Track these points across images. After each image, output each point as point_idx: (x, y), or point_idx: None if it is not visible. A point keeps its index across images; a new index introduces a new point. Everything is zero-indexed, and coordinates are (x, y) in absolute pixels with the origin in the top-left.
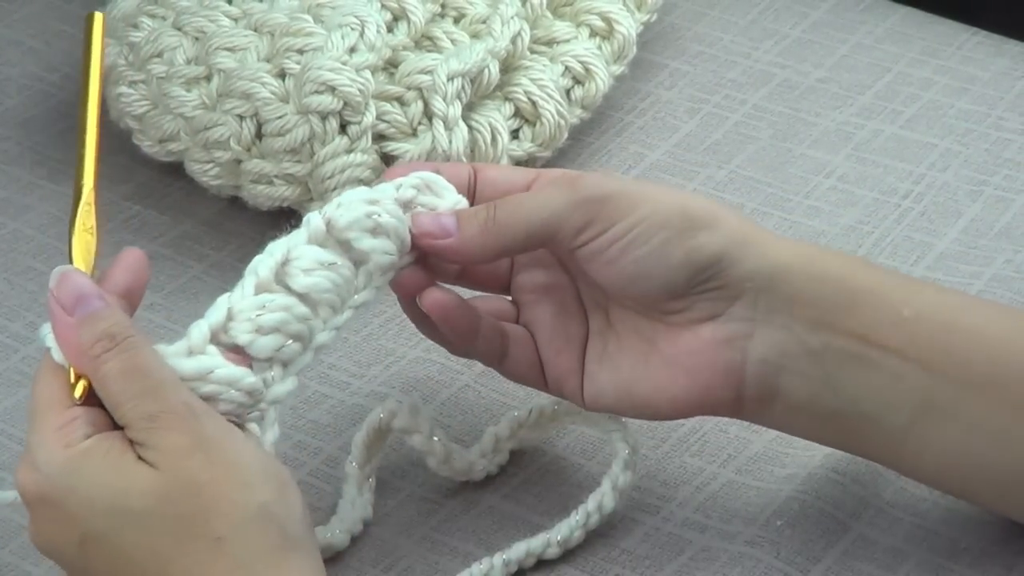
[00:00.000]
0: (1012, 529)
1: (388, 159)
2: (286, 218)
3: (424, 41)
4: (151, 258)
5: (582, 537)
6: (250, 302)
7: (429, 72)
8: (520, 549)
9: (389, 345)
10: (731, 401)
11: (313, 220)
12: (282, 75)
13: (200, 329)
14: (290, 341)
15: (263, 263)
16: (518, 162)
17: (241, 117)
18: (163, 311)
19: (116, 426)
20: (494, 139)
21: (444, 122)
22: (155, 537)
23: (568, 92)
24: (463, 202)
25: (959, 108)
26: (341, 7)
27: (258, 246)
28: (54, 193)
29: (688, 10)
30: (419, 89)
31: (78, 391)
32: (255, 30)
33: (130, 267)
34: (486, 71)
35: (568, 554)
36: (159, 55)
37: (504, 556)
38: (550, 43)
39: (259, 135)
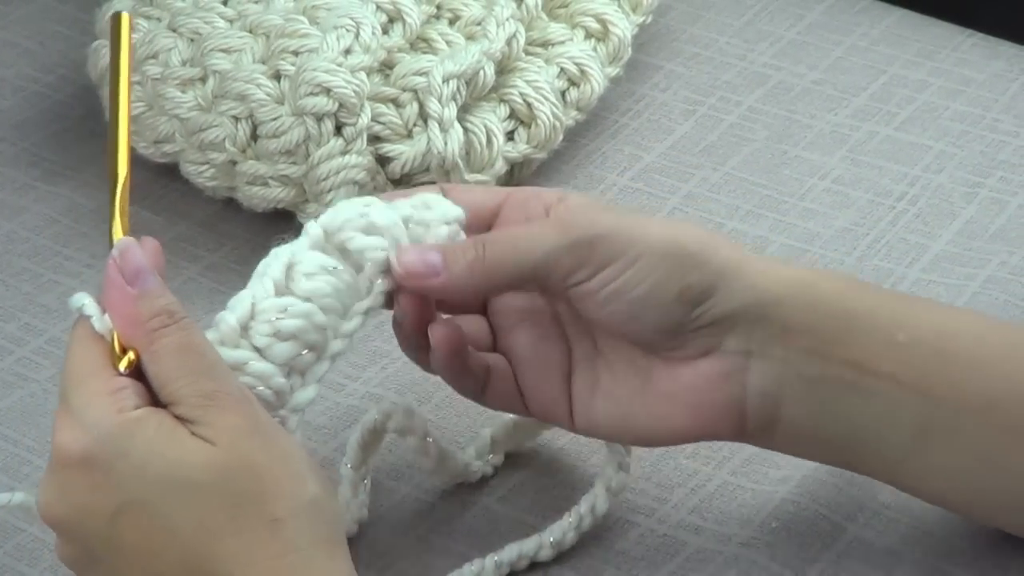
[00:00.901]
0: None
1: (383, 161)
2: (281, 220)
3: (419, 43)
4: None
5: (575, 539)
6: (272, 303)
7: (424, 74)
8: (513, 551)
9: (384, 347)
10: (733, 430)
11: (311, 227)
12: (277, 77)
13: (229, 322)
14: (306, 350)
15: (273, 266)
16: (513, 164)
17: (236, 119)
18: None
19: (158, 404)
20: (489, 141)
21: (439, 124)
22: (208, 512)
23: (563, 94)
24: (456, 225)
25: (954, 110)
26: (336, 9)
27: (253, 248)
28: (49, 195)
29: (683, 12)
30: (414, 91)
31: (124, 363)
32: (250, 32)
33: (148, 255)
34: (481, 73)
35: (562, 556)
36: (154, 56)
37: (496, 557)
38: (545, 45)
39: (254, 137)
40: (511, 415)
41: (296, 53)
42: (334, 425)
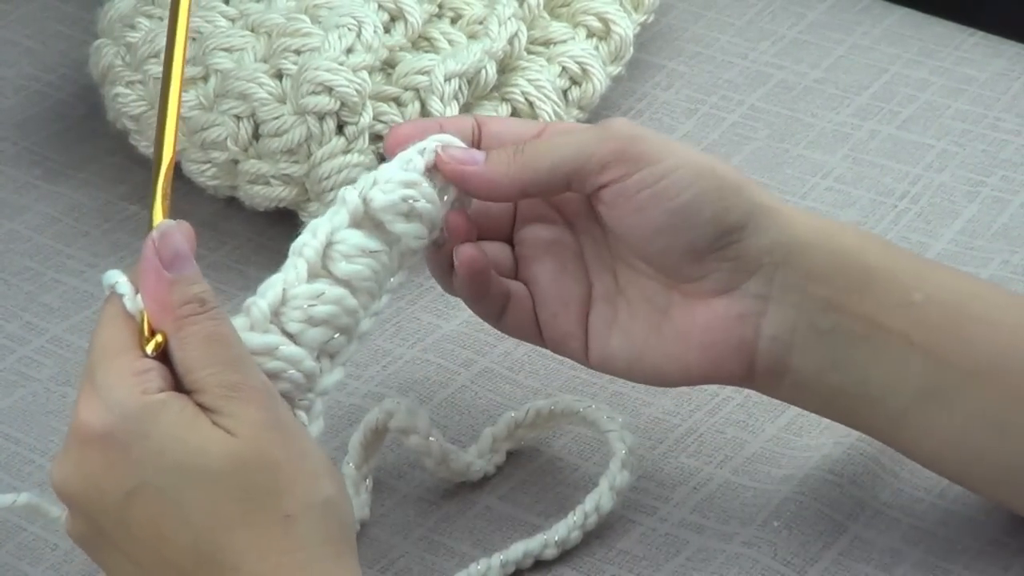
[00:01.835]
0: (1008, 529)
1: (385, 160)
2: (283, 219)
3: (421, 42)
4: None
5: (579, 537)
6: (304, 290)
7: (426, 73)
8: (518, 550)
9: (386, 346)
10: (742, 374)
11: (350, 199)
12: (279, 76)
13: (260, 308)
14: (337, 334)
15: (309, 245)
16: None
17: (238, 117)
18: None
19: (181, 390)
20: None
21: None
22: (223, 502)
23: (565, 93)
24: None
25: (956, 109)
26: (338, 8)
27: (255, 247)
28: (50, 193)
29: (685, 11)
30: (416, 90)
31: (152, 346)
32: (252, 31)
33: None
34: (483, 72)
35: (565, 555)
36: (156, 55)
37: (502, 557)
38: (547, 44)
39: (256, 136)
40: (512, 415)
41: (298, 52)
42: (336, 424)
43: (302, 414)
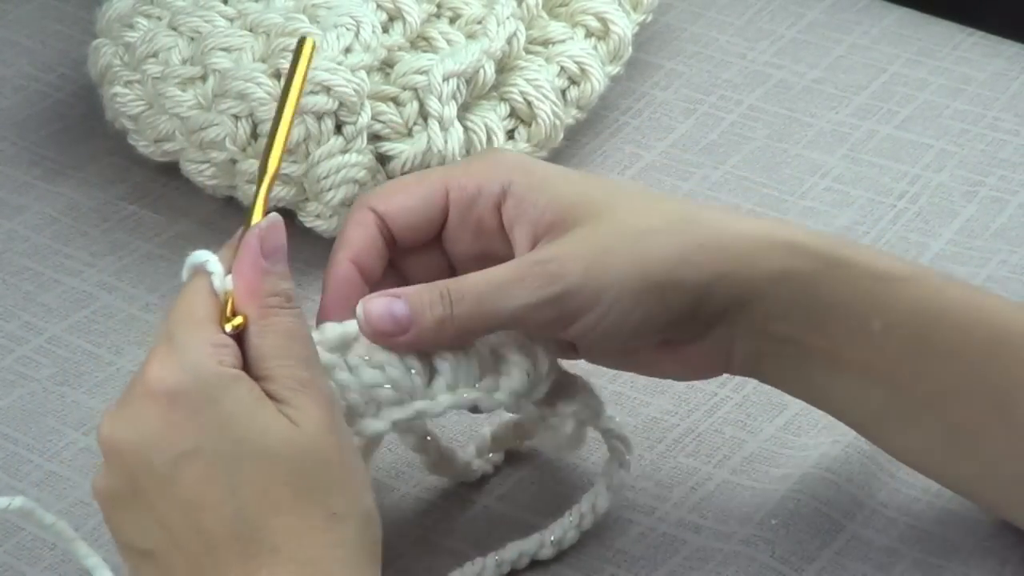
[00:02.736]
0: (1005, 526)
1: (384, 159)
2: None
3: (420, 41)
4: (147, 258)
5: (576, 537)
6: (367, 345)
7: (425, 72)
8: (514, 549)
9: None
10: (718, 375)
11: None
12: (277, 75)
13: (333, 329)
14: (387, 385)
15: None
16: None
17: (237, 117)
18: (159, 311)
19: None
20: (489, 140)
21: (439, 122)
22: (276, 484)
23: (564, 92)
24: None
25: (955, 109)
26: (336, 7)
27: None
28: (49, 193)
29: (684, 11)
30: (415, 89)
31: (232, 324)
32: (250, 30)
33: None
34: (482, 71)
35: (562, 554)
36: (154, 55)
37: (496, 556)
38: (546, 43)
39: (255, 135)
40: (511, 415)
41: None
42: None
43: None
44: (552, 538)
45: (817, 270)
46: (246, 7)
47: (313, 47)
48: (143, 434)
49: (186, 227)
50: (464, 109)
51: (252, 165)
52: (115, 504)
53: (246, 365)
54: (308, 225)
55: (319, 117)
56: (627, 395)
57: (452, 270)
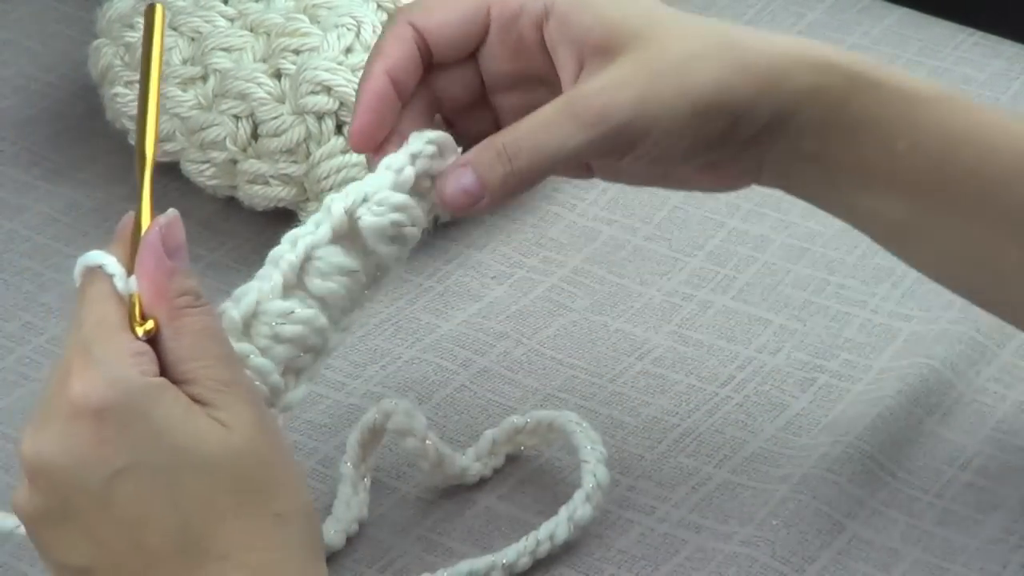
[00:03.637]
0: (1006, 527)
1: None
2: (282, 219)
3: None
4: None
5: (529, 563)
6: (275, 307)
7: None
8: (463, 569)
9: (385, 346)
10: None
11: (336, 213)
12: (278, 75)
13: (232, 318)
14: (304, 353)
15: (286, 258)
16: None
17: (237, 117)
18: None
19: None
20: None
21: None
22: (217, 492)
23: None
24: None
25: None
26: (337, 7)
27: (254, 247)
28: (49, 194)
29: (685, 10)
30: None
31: (144, 329)
32: (251, 30)
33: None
34: None
35: (563, 554)
36: None
37: (445, 573)
38: None
39: (255, 135)
40: (513, 420)
41: (297, 52)
42: (334, 423)
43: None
44: (503, 562)
45: (848, 88)
46: (246, 7)
47: (163, 14)
48: (73, 454)
49: (186, 227)
50: None
51: (253, 165)
52: (44, 524)
53: (163, 370)
54: None
55: (320, 117)
56: (627, 395)
57: (483, 87)
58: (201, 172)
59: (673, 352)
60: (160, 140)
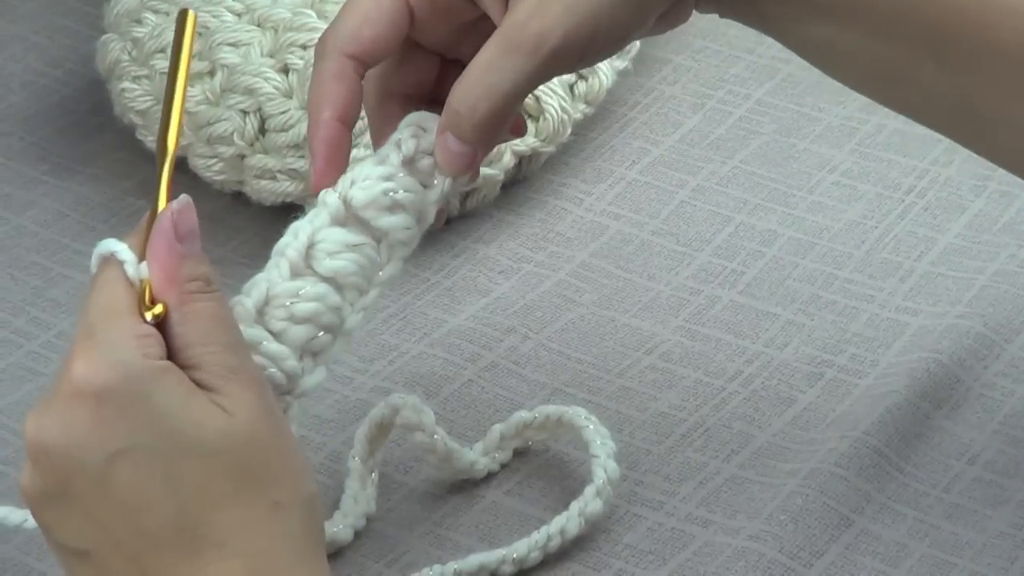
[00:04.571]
0: (1014, 522)
1: None
2: (290, 214)
3: None
4: None
5: (539, 558)
6: (286, 287)
7: None
8: (474, 562)
9: (392, 340)
10: None
11: (330, 200)
12: (285, 70)
13: (245, 305)
14: (321, 332)
15: (291, 245)
16: (521, 157)
17: (245, 112)
18: None
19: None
20: None
21: None
22: (215, 478)
23: (571, 87)
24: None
25: None
26: (344, 2)
27: (262, 242)
28: (57, 189)
29: None
30: None
31: (153, 312)
32: (258, 25)
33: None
34: None
35: (571, 549)
36: (162, 50)
37: (456, 566)
38: None
39: (263, 130)
40: (523, 413)
41: (304, 47)
42: (342, 418)
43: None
44: (514, 556)
45: None
46: (254, 2)
47: (194, 20)
48: (72, 435)
49: None
50: None
51: (261, 160)
52: (45, 505)
53: (171, 354)
54: None
55: None
56: (635, 390)
57: (440, 57)
58: (209, 167)
59: (680, 347)
60: None
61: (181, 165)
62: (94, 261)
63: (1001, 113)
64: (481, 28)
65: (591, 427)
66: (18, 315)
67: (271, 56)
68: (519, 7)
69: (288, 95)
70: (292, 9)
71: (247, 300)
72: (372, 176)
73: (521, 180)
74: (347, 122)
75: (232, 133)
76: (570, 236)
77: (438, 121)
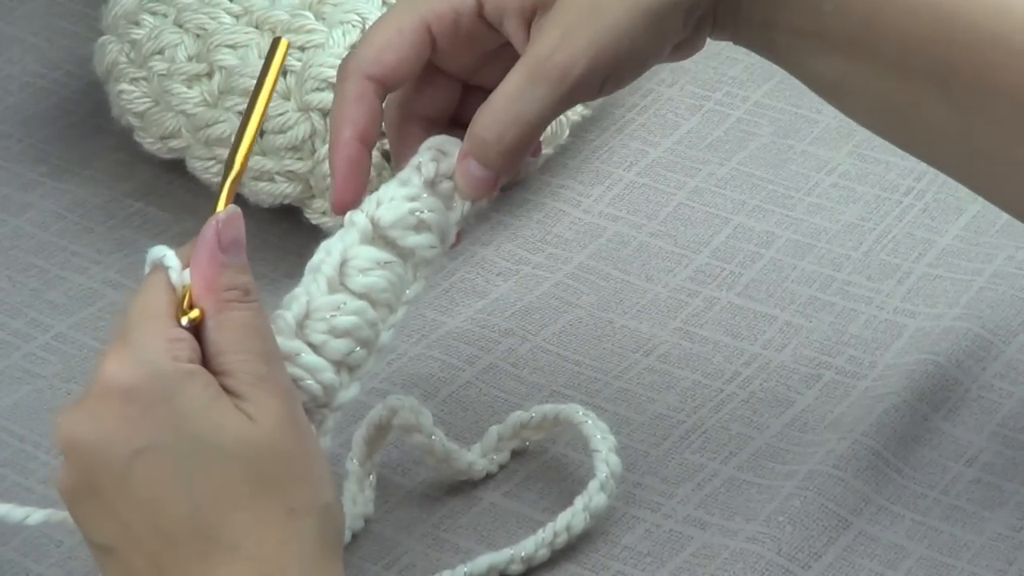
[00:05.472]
0: (1012, 524)
1: (390, 156)
2: (287, 215)
3: None
4: None
5: (547, 555)
6: (327, 301)
7: None
8: (483, 563)
9: (391, 342)
10: None
11: (358, 220)
12: (284, 72)
13: (286, 318)
14: (358, 347)
15: (326, 262)
16: None
17: (242, 114)
18: None
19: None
20: None
21: None
22: (232, 481)
23: None
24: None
25: None
26: (342, 4)
27: (260, 243)
28: (55, 190)
29: None
30: None
31: (188, 317)
32: (256, 27)
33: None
34: None
35: (568, 551)
36: (160, 52)
37: (466, 568)
38: None
39: (260, 132)
40: (519, 414)
41: (302, 48)
42: (341, 420)
43: (312, 428)
44: (522, 554)
45: None
46: (252, 4)
47: (287, 48)
48: (98, 431)
49: (192, 224)
50: None
51: (258, 162)
52: (76, 500)
53: (204, 360)
54: (314, 222)
55: (325, 114)
56: (633, 391)
57: (460, 83)
58: (207, 169)
59: (678, 348)
60: (165, 137)
61: (179, 167)
62: (147, 268)
63: (1007, 157)
64: (503, 55)
65: (589, 422)
66: (16, 317)
67: None
68: (543, 38)
69: (286, 97)
70: (290, 11)
71: (287, 313)
72: (397, 196)
73: (519, 182)
74: (367, 142)
75: (230, 135)
76: (568, 238)
77: (458, 145)
